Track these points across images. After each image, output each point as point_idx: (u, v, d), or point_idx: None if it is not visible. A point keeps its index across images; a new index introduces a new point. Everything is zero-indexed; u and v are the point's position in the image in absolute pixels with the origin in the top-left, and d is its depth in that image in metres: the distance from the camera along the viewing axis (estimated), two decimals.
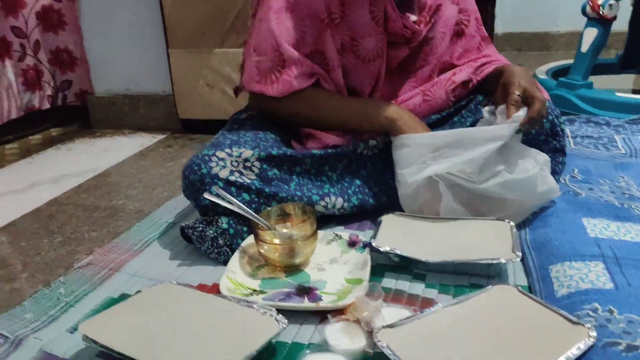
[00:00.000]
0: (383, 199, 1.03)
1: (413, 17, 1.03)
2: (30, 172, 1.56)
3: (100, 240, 1.09)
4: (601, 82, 2.10)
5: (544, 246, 0.85)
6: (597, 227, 0.87)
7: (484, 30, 1.13)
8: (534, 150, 0.92)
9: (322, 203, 0.98)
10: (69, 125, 2.03)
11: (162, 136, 1.86)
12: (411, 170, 0.91)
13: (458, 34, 1.10)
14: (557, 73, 1.98)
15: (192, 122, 1.85)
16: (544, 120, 0.98)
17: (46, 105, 1.96)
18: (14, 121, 1.83)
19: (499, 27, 3.18)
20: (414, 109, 1.04)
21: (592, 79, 2.03)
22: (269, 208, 0.91)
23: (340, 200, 0.99)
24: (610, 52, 2.98)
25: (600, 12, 1.68)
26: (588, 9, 1.72)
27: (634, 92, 2.16)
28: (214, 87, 1.74)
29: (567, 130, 1.32)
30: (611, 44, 3.00)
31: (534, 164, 0.89)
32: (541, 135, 1.01)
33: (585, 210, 0.92)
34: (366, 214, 1.03)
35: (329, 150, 1.00)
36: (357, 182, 1.02)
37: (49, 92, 1.96)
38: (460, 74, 1.05)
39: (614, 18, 1.69)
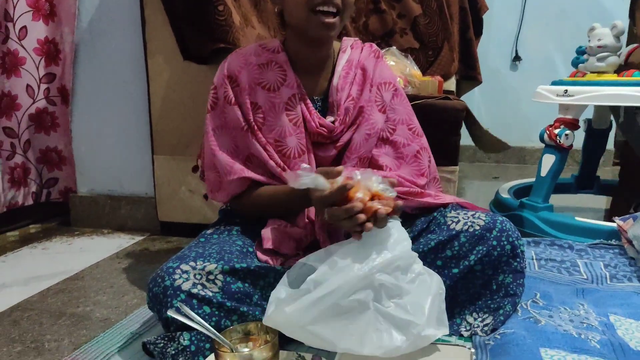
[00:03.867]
0: None
1: (330, 118, 1.13)
2: (2, 273, 1.54)
3: (60, 352, 1.06)
4: (559, 200, 2.15)
5: None
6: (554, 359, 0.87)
7: (424, 142, 1.20)
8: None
9: None
10: (49, 221, 2.04)
11: (140, 237, 1.87)
12: None
13: (383, 140, 1.17)
14: (519, 191, 2.03)
15: (171, 224, 1.87)
16: (505, 242, 1.02)
17: (29, 202, 1.98)
18: None
19: None
20: None
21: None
22: (231, 327, 0.91)
23: None
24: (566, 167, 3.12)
25: (557, 141, 1.73)
26: (546, 137, 1.77)
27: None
28: (196, 192, 1.79)
29: (532, 252, 1.35)
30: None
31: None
32: (503, 256, 1.03)
33: (544, 340, 0.94)
34: None
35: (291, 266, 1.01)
36: None
37: (33, 189, 1.99)
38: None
39: (571, 147, 1.73)
